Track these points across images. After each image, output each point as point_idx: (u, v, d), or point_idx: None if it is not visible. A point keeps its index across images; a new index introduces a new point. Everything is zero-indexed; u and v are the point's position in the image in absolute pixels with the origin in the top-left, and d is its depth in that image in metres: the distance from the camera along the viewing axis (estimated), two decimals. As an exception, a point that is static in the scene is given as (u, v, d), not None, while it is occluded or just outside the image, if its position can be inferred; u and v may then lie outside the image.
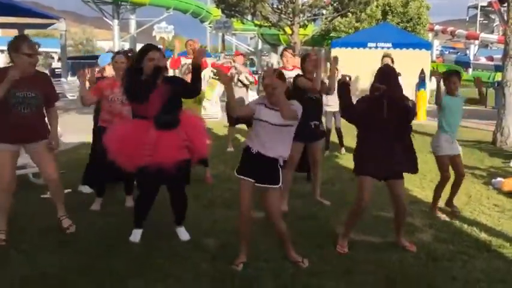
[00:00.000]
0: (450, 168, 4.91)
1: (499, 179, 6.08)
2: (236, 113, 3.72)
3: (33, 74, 3.85)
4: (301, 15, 18.46)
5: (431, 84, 13.99)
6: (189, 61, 5.68)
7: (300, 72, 5.17)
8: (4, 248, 3.80)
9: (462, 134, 4.95)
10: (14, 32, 15.21)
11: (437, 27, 35.09)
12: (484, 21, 45.58)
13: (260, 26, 21.29)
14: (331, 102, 7.52)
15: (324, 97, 5.54)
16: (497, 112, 9.91)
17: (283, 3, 18.19)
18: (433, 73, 3.70)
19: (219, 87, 12.22)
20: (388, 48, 14.53)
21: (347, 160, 7.00)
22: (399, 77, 4.06)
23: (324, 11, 20.11)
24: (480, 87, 5.40)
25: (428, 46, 16.76)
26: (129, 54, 4.70)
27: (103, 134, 3.95)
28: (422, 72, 13.29)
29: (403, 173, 3.91)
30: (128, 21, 32.00)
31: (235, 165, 3.58)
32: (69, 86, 19.28)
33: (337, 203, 5.07)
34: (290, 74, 5.09)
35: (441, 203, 5.05)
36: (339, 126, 8.06)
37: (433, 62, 21.62)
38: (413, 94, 12.83)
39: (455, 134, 4.86)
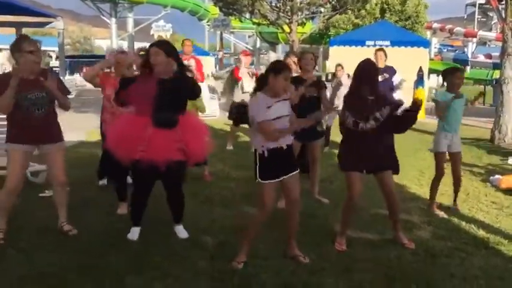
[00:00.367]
0: (448, 167, 4.91)
1: (497, 176, 6.10)
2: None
3: (40, 74, 3.86)
4: (300, 13, 18.39)
5: (429, 82, 14.00)
6: (186, 62, 5.66)
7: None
8: (2, 246, 3.78)
9: (461, 132, 4.95)
10: (12, 31, 15.17)
11: (435, 25, 35.04)
12: (482, 19, 45.70)
13: (258, 24, 21.24)
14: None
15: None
16: (495, 110, 9.93)
17: (282, 1, 18.15)
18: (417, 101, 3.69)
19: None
20: (386, 46, 14.46)
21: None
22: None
23: (322, 9, 20.05)
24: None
25: (426, 44, 16.74)
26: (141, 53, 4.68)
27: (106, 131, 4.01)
28: (420, 70, 13.30)
29: (400, 171, 3.91)
30: (126, 19, 31.96)
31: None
32: (67, 84, 19.20)
33: (336, 201, 5.05)
34: None
35: (438, 199, 5.06)
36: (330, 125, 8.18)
37: (431, 59, 21.62)
38: (411, 92, 12.83)
39: (456, 132, 4.82)
